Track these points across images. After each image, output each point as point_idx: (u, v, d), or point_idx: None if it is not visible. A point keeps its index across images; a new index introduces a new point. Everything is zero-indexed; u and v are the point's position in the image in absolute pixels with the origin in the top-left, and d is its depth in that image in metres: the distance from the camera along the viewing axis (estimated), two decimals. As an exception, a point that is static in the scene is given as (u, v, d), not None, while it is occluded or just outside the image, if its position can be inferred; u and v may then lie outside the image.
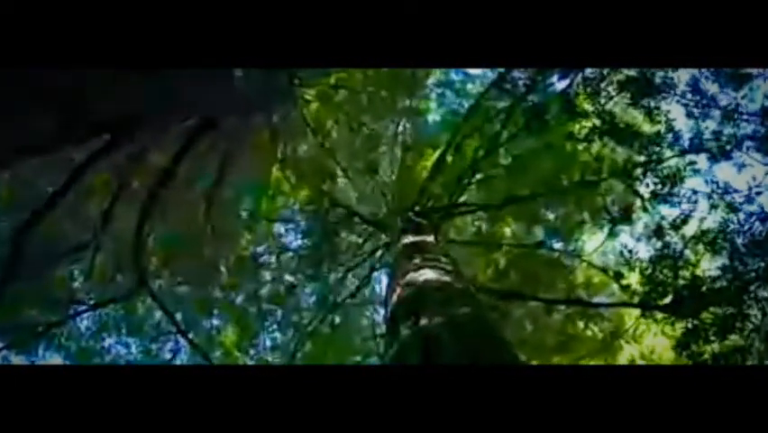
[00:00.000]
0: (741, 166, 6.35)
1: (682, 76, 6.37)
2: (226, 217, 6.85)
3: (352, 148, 7.84)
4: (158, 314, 7.30)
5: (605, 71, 6.56)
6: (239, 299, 8.06)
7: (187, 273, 7.17)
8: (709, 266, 6.35)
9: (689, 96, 6.40)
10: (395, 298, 3.36)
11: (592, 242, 8.36)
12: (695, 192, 6.60)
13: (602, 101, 6.68)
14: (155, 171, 5.31)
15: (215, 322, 8.08)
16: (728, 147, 6.31)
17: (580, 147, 7.16)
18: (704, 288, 5.99)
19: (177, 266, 6.96)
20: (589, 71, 6.63)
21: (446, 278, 3.46)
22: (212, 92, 3.75)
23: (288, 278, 8.28)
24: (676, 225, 6.73)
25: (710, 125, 6.45)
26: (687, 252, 6.57)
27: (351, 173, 7.99)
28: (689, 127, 6.59)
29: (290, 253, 8.41)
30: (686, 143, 6.63)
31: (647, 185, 6.83)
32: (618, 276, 7.08)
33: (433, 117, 8.44)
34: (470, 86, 8.15)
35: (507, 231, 8.52)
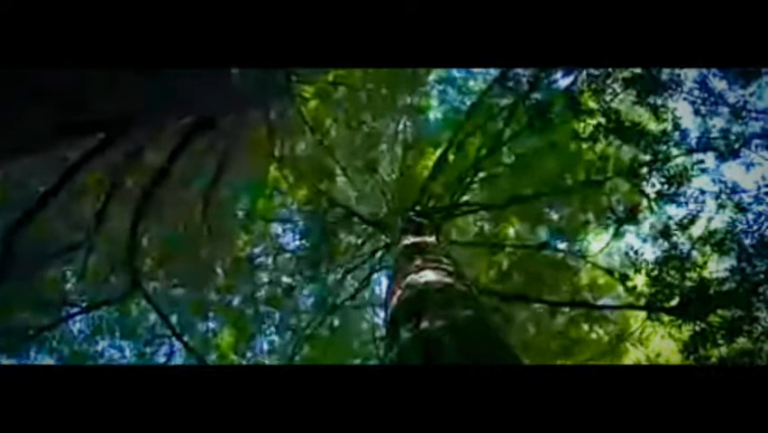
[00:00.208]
0: (749, 165, 6.26)
1: (690, 73, 6.30)
2: (223, 217, 6.86)
3: (351, 146, 7.81)
4: (152, 316, 7.28)
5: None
6: (235, 302, 8.05)
7: (183, 275, 7.20)
8: (717, 268, 6.29)
9: (696, 93, 6.32)
10: (395, 300, 3.33)
11: (597, 243, 8.27)
12: (702, 192, 6.51)
13: (607, 98, 6.60)
14: (150, 170, 5.25)
15: (211, 325, 8.08)
16: (737, 146, 6.23)
17: (585, 146, 7.07)
18: (712, 290, 5.93)
19: (172, 267, 7.01)
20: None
21: (448, 279, 3.41)
22: (207, 89, 3.73)
23: (286, 279, 8.24)
24: (683, 226, 6.66)
25: (718, 123, 6.38)
26: (694, 253, 6.50)
27: (350, 172, 7.94)
28: (696, 125, 6.53)
29: (288, 254, 8.36)
30: (693, 142, 6.55)
31: (653, 184, 6.75)
32: (624, 278, 7.00)
33: (434, 115, 8.43)
34: (472, 83, 8.14)
35: (510, 231, 8.48)
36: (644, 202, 7.10)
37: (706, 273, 6.25)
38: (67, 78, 2.42)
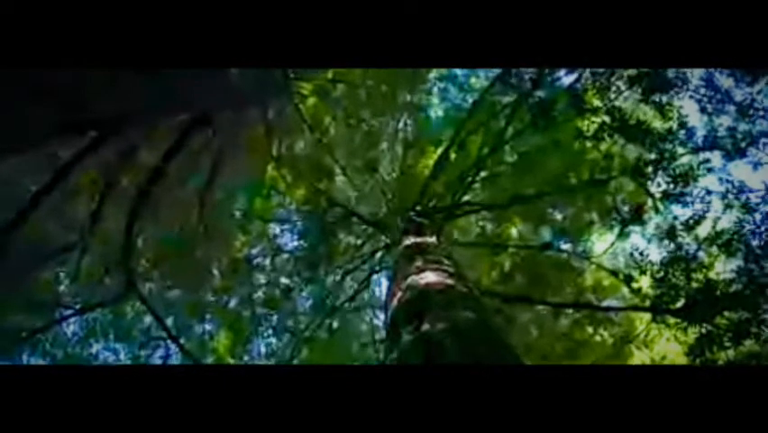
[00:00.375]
0: (757, 164, 6.20)
1: (696, 70, 6.25)
2: (219, 218, 6.83)
3: (350, 145, 7.80)
4: (148, 319, 7.25)
5: (614, 65, 6.44)
6: (232, 303, 8.02)
7: (179, 276, 7.18)
8: (724, 269, 6.28)
9: (702, 91, 6.28)
10: (395, 301, 3.30)
11: (601, 243, 8.28)
12: (709, 192, 6.46)
13: (612, 96, 6.56)
14: (145, 170, 5.21)
15: (208, 327, 8.06)
16: (743, 144, 6.18)
17: (589, 144, 7.03)
18: (718, 291, 5.87)
19: (167, 268, 7.01)
20: (597, 65, 6.51)
21: (449, 281, 3.38)
22: (205, 86, 3.70)
23: (284, 281, 8.21)
24: (689, 226, 6.60)
25: (725, 122, 6.32)
26: (700, 254, 6.46)
27: (349, 171, 7.93)
28: (702, 124, 6.47)
29: (286, 255, 8.34)
30: (699, 141, 6.50)
31: (659, 184, 6.71)
32: (629, 279, 6.95)
33: (435, 113, 8.44)
34: (473, 80, 8.17)
35: (513, 232, 8.47)
36: (650, 202, 7.07)
37: (712, 275, 6.21)
38: (66, 78, 2.42)
